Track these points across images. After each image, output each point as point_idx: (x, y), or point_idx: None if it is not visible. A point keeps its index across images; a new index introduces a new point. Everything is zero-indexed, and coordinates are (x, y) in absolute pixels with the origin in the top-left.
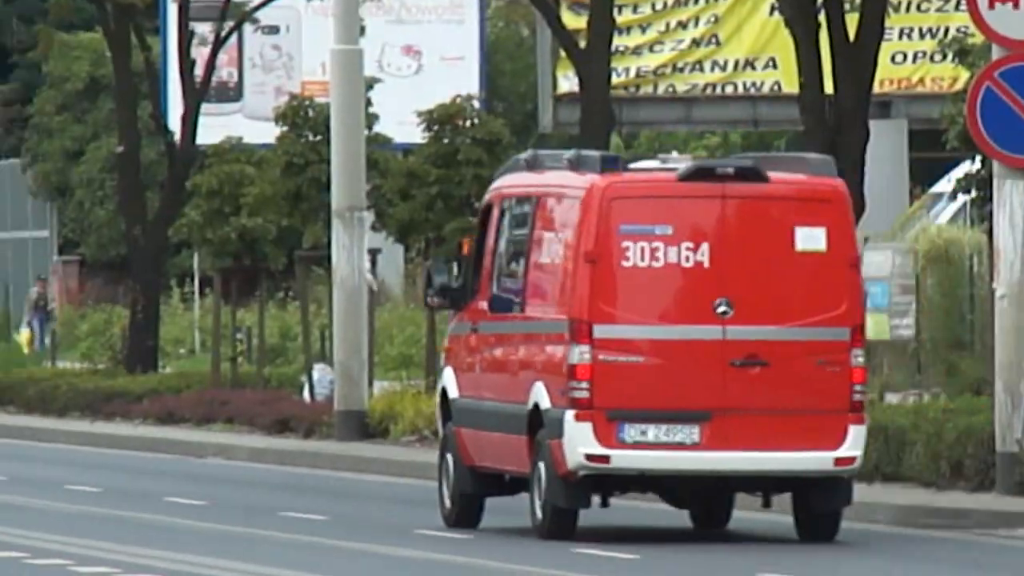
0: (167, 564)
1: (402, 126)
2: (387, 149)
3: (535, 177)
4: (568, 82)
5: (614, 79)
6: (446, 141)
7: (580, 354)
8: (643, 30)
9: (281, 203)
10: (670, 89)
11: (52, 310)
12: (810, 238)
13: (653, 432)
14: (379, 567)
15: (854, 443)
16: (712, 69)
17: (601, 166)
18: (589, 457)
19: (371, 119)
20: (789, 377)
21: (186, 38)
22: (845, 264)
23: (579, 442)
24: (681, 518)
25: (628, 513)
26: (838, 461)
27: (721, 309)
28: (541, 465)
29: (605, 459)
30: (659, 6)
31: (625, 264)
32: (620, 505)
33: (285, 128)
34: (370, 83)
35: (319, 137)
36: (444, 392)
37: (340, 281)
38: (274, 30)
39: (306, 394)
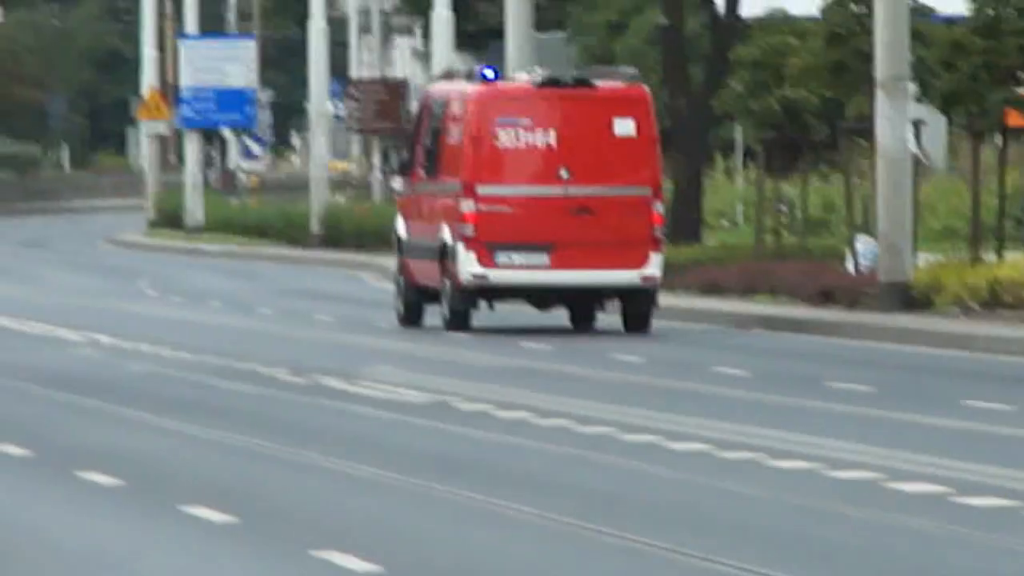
0: (711, 433)
1: None
2: (931, 20)
3: (447, 85)
4: None
5: None
6: (991, 12)
7: (468, 205)
8: None
9: (824, 74)
10: None
11: None
12: (623, 126)
13: (517, 258)
14: (926, 438)
15: (654, 265)
16: None
17: (483, 77)
18: (474, 275)
19: None
20: (609, 220)
21: None
22: (648, 144)
23: (467, 265)
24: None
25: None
26: (644, 278)
27: (563, 175)
28: (446, 281)
29: (484, 277)
30: None
31: (498, 144)
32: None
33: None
34: None
35: (863, 8)
36: (398, 234)
37: (883, 152)
38: None
39: (849, 265)
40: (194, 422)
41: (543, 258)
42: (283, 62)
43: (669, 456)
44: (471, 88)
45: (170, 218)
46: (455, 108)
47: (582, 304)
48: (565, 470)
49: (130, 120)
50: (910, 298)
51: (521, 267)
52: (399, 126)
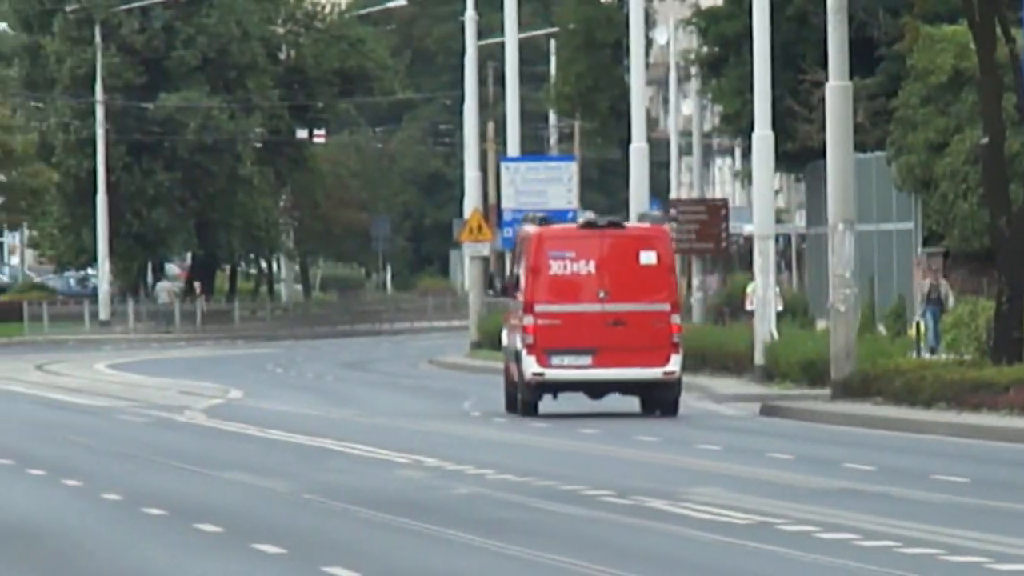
0: None
1: None
2: None
3: (528, 227)
4: None
5: None
6: None
7: (528, 320)
8: None
9: None
10: None
11: (946, 298)
12: (647, 257)
13: (567, 360)
14: None
15: (674, 364)
16: None
17: (540, 222)
18: (534, 374)
19: None
20: (637, 330)
21: None
22: (666, 271)
23: (529, 366)
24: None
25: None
26: (665, 374)
27: (601, 295)
28: (519, 379)
29: (542, 375)
30: None
31: (551, 272)
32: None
33: None
34: None
35: None
36: (502, 341)
37: None
38: None
39: None
40: (516, 543)
41: (587, 360)
42: (603, 183)
43: None
44: (534, 229)
45: (492, 339)
46: (526, 245)
47: (647, 395)
48: None
49: (452, 242)
50: None
51: (570, 367)
52: (718, 246)
